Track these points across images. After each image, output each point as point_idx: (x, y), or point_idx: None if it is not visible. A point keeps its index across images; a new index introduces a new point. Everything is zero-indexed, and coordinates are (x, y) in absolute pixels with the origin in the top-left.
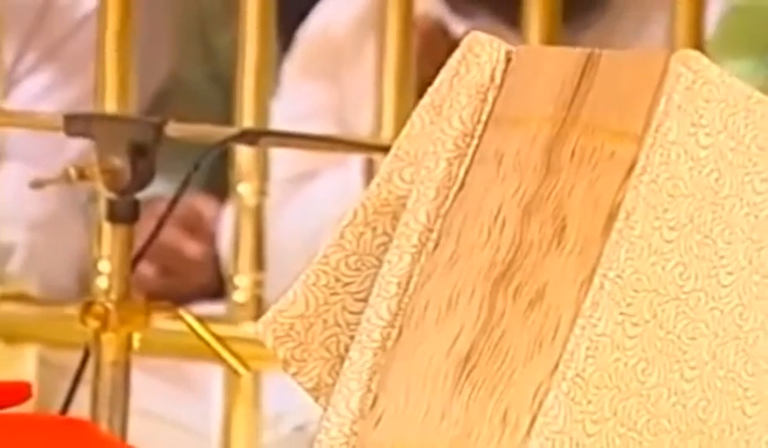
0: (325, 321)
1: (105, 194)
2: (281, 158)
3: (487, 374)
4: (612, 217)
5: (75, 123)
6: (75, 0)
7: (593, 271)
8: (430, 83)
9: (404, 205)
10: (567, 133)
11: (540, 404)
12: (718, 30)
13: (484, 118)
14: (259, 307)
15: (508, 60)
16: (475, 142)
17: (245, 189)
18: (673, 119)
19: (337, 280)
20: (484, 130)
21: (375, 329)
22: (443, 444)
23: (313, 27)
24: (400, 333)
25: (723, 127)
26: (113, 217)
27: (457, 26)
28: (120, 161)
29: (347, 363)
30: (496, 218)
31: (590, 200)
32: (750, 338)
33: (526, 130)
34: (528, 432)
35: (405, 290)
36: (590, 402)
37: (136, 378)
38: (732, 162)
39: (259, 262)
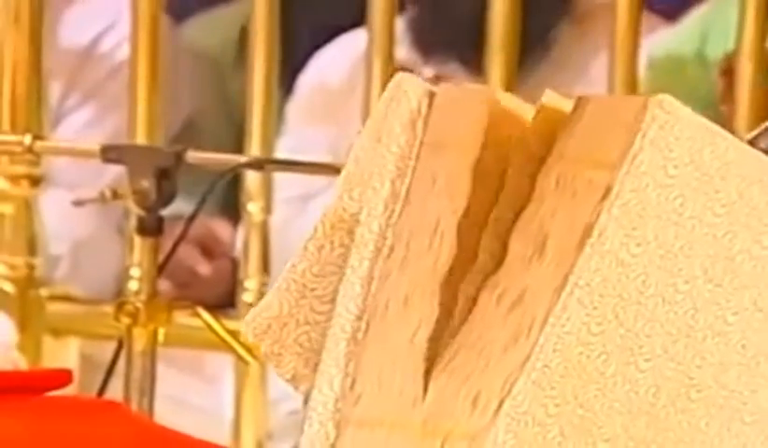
0: (297, 320)
1: (135, 211)
2: (285, 181)
3: (461, 363)
4: (586, 235)
5: (110, 152)
6: (112, 48)
7: (566, 279)
8: None
9: (356, 220)
10: (552, 165)
11: (509, 390)
12: (646, 74)
13: (417, 143)
14: None
15: (431, 95)
16: (412, 163)
17: (253, 207)
18: (646, 152)
19: (304, 286)
20: (419, 153)
21: (346, 323)
22: (416, 422)
23: (311, 74)
24: (368, 327)
25: (690, 160)
26: (142, 230)
27: (428, 71)
28: (147, 184)
29: (325, 352)
30: (435, 230)
31: (568, 220)
32: (700, 336)
33: (454, 154)
34: (496, 412)
35: (368, 290)
36: (553, 388)
37: (160, 367)
38: (697, 189)
39: (265, 268)
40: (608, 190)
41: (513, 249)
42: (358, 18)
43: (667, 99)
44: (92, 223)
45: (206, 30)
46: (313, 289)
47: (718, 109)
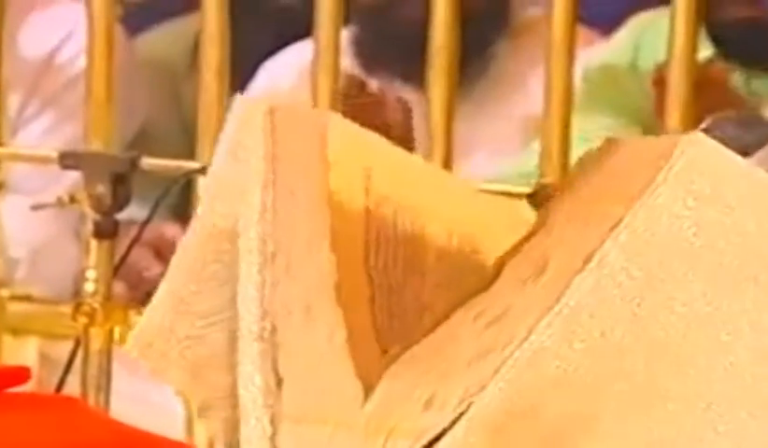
0: (178, 336)
1: (91, 216)
2: None
3: (418, 370)
4: (587, 260)
5: (67, 159)
6: (70, 59)
7: (558, 299)
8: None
9: (222, 234)
10: (567, 200)
11: (471, 396)
12: (581, 86)
13: (270, 157)
14: None
15: (272, 112)
16: (272, 177)
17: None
18: (668, 184)
19: (182, 301)
20: (275, 168)
21: (251, 324)
22: (359, 420)
23: (260, 81)
24: (274, 328)
25: (712, 192)
26: (98, 234)
27: (373, 83)
28: (103, 189)
29: (239, 353)
30: (309, 247)
31: (573, 246)
32: (688, 352)
33: (308, 171)
34: (458, 415)
35: (264, 293)
36: (521, 398)
37: (116, 365)
38: (714, 221)
39: None
40: (620, 220)
41: (505, 275)
42: (306, 30)
43: (700, 136)
44: (51, 227)
45: (161, 41)
46: (191, 304)
47: (652, 119)
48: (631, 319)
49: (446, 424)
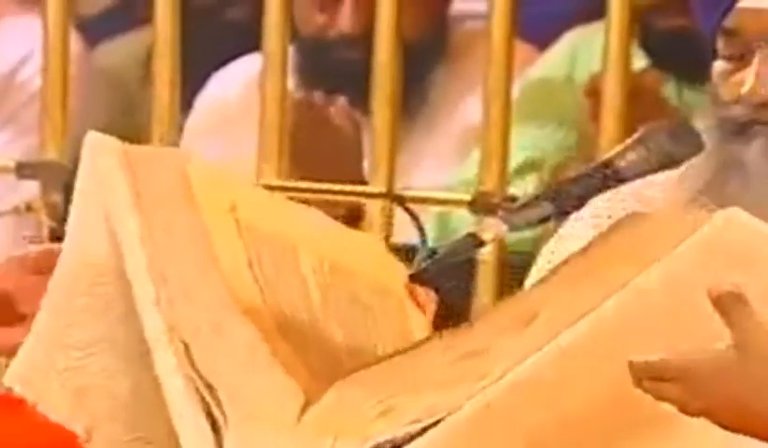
0: (56, 369)
1: (47, 223)
2: None
3: (377, 383)
4: (584, 315)
5: (24, 169)
6: (29, 78)
7: (548, 343)
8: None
9: (92, 268)
10: (574, 262)
11: (438, 414)
12: (519, 98)
13: (135, 193)
14: None
15: (126, 153)
16: (139, 210)
17: None
18: (690, 249)
19: (55, 336)
20: (140, 202)
21: (161, 340)
22: (307, 419)
23: (210, 90)
24: (187, 345)
25: (741, 261)
26: (53, 240)
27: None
28: (58, 198)
29: (158, 364)
30: (201, 271)
31: (567, 304)
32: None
33: (178, 205)
34: (420, 428)
35: (161, 308)
36: (496, 421)
37: None
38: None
39: None
40: (626, 283)
41: (484, 322)
42: (255, 44)
43: (735, 210)
44: (8, 234)
45: (116, 52)
46: (65, 338)
47: (587, 128)
48: (613, 358)
49: (399, 433)
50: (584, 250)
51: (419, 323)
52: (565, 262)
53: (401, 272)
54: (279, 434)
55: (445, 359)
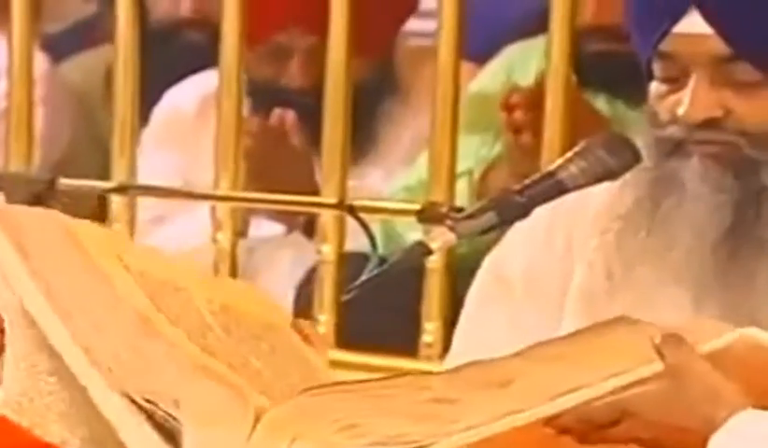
0: (40, 392)
1: None
2: (143, 204)
3: (334, 401)
4: (561, 394)
5: None
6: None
7: (526, 409)
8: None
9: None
10: (559, 344)
11: (401, 441)
12: (462, 111)
13: (24, 253)
14: None
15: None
16: (31, 264)
17: (118, 226)
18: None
19: (29, 365)
20: (31, 255)
21: (82, 364)
22: (265, 421)
23: (165, 106)
24: (111, 369)
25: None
26: None
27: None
28: None
29: (99, 385)
30: (111, 309)
31: (543, 379)
32: None
33: (71, 257)
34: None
35: (76, 339)
36: None
37: None
38: None
39: None
40: (587, 385)
41: (460, 375)
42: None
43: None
44: None
45: (78, 69)
46: (35, 366)
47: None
48: None
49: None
50: (563, 338)
51: (314, 355)
52: (546, 343)
53: (284, 311)
54: (237, 435)
55: (417, 397)
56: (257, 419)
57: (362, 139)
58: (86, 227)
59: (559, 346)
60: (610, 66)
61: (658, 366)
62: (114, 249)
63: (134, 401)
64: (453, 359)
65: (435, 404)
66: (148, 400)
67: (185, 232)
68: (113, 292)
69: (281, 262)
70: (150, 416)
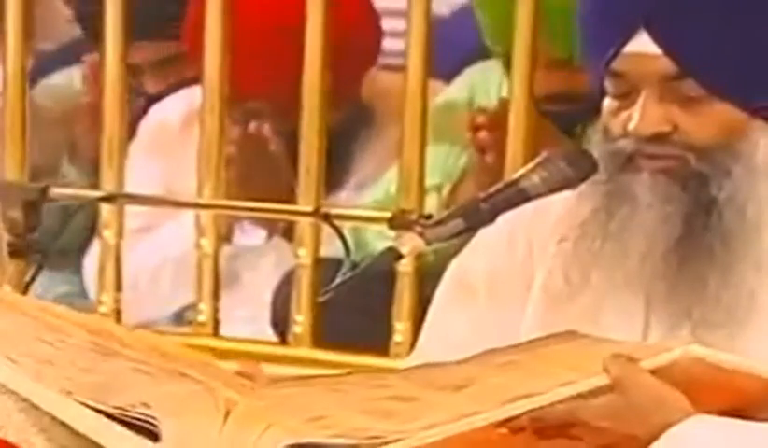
0: (16, 413)
1: (6, 238)
2: (130, 211)
3: (302, 395)
4: (515, 398)
5: None
6: None
7: (481, 412)
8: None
9: None
10: (514, 352)
11: (367, 435)
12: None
13: None
14: (118, 316)
15: None
16: None
17: (108, 233)
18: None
19: None
20: None
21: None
22: (238, 410)
23: (152, 118)
24: (70, 392)
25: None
26: (12, 254)
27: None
28: (17, 214)
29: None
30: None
31: (498, 384)
32: None
33: None
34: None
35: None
36: None
37: None
38: None
39: (118, 285)
40: (536, 394)
41: (418, 374)
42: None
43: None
44: None
45: (51, 89)
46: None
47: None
48: None
49: (331, 441)
50: (515, 346)
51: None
52: (500, 350)
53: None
54: (210, 426)
55: (375, 394)
56: (227, 412)
57: (335, 167)
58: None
59: (511, 354)
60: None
61: (604, 379)
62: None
63: (102, 413)
64: (418, 356)
65: (395, 401)
66: (117, 408)
67: (170, 239)
68: (53, 330)
69: (263, 266)
70: (124, 422)
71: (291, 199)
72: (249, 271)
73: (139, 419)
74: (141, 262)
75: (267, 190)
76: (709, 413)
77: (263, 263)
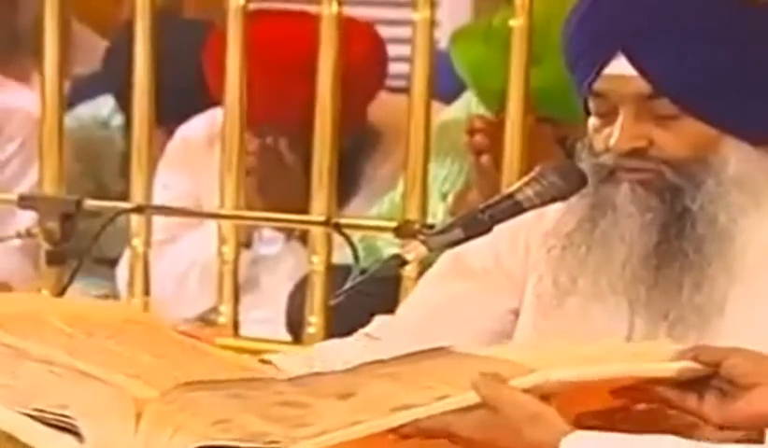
0: None
1: (44, 246)
2: (157, 223)
3: (207, 397)
4: (398, 409)
5: (25, 201)
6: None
7: (367, 420)
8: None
9: None
10: (396, 363)
11: (262, 438)
12: (433, 140)
13: None
14: None
15: None
16: None
17: (137, 242)
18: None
19: None
20: None
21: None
22: (149, 412)
23: (177, 139)
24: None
25: None
26: (49, 261)
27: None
28: (53, 225)
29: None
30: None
31: (381, 393)
32: None
33: None
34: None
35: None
36: None
37: None
38: None
39: (146, 289)
40: (411, 406)
41: (314, 382)
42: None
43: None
44: (15, 257)
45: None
46: None
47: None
48: None
49: (237, 443)
50: (394, 359)
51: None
52: (383, 362)
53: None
54: (124, 427)
55: (272, 399)
56: (139, 413)
57: (347, 183)
58: None
59: (391, 366)
60: None
61: (475, 396)
62: None
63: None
64: (380, 325)
65: (285, 407)
66: (37, 410)
67: (195, 247)
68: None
69: (281, 271)
70: (45, 422)
71: (306, 206)
72: (268, 276)
73: (60, 421)
74: (168, 269)
75: (284, 197)
76: (582, 419)
77: (280, 269)
